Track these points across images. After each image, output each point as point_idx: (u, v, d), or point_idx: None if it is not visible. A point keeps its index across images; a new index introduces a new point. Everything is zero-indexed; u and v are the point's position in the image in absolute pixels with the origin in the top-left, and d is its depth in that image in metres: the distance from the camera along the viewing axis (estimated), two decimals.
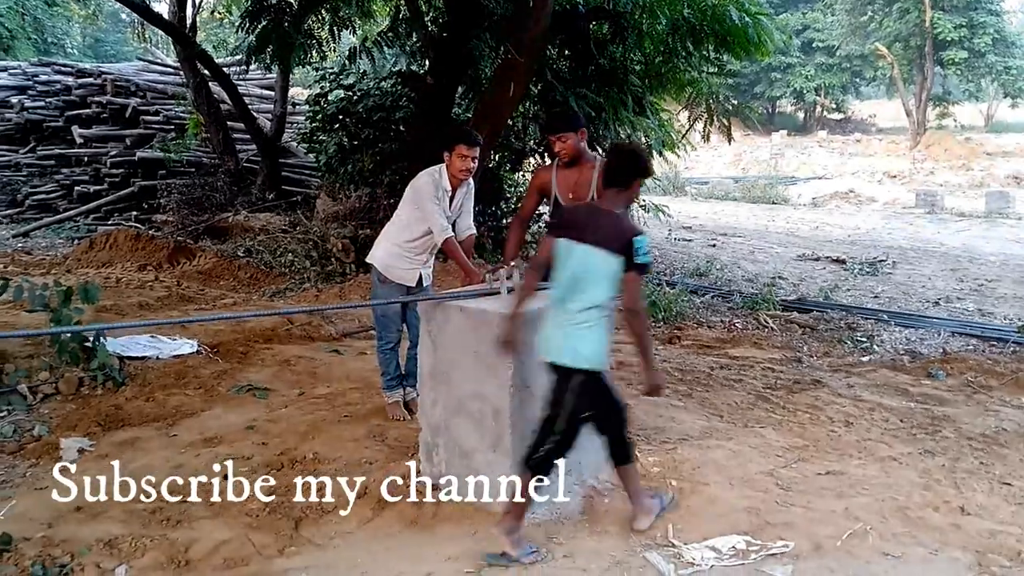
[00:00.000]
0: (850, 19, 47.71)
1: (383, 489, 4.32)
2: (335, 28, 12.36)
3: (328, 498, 4.28)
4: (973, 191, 25.69)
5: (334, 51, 13.76)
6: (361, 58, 12.81)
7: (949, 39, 40.44)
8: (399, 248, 5.44)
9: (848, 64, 50.71)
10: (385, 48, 13.24)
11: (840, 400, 6.25)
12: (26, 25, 28.07)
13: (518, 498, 3.77)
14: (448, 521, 4.05)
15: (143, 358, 6.64)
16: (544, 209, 6.44)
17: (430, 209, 5.20)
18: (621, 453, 3.99)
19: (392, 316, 5.60)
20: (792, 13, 51.95)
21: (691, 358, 7.54)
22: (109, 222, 15.76)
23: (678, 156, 13.68)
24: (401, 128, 12.56)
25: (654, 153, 12.71)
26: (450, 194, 5.32)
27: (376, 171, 12.33)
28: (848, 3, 47.63)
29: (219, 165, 15.83)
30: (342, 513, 4.14)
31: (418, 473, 4.48)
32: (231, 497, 4.28)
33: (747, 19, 9.68)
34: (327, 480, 4.46)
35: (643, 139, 12.55)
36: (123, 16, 43.94)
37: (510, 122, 11.50)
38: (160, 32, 17.42)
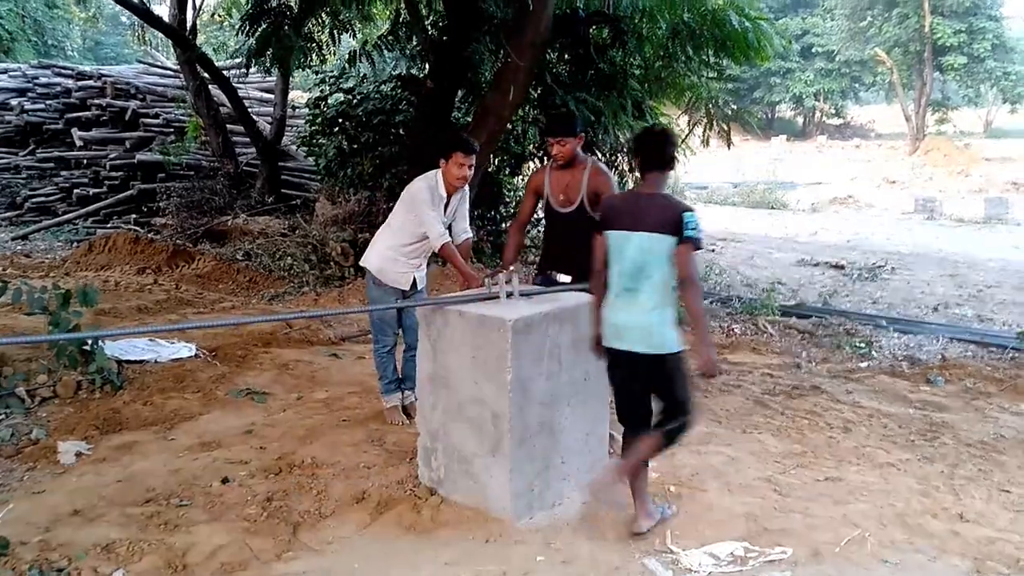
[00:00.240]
0: (849, 24, 47.79)
1: (381, 494, 4.32)
2: (335, 31, 12.34)
3: (326, 503, 4.28)
4: (972, 197, 25.69)
5: (334, 54, 13.75)
6: (361, 61, 12.79)
7: (948, 44, 40.51)
8: (393, 252, 5.46)
9: (847, 69, 50.80)
10: (385, 52, 13.22)
11: (839, 406, 6.24)
12: (26, 27, 28.07)
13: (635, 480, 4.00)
14: (446, 526, 4.05)
15: (141, 362, 6.64)
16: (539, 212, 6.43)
17: (427, 216, 5.21)
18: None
19: (388, 319, 5.61)
20: (791, 18, 52.06)
21: (689, 363, 7.53)
22: (108, 225, 15.74)
23: (677, 161, 13.66)
24: (401, 132, 12.56)
25: None
26: (445, 200, 5.34)
27: (376, 175, 12.33)
28: (847, 8, 47.72)
29: (218, 168, 15.82)
30: (340, 518, 4.14)
31: (416, 478, 4.48)
32: (229, 501, 4.28)
33: (747, 24, 9.69)
34: (325, 484, 4.46)
35: None
36: (123, 19, 43.99)
37: (509, 126, 11.50)
38: (160, 35, 17.42)
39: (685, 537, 3.96)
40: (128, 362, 6.54)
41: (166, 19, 15.04)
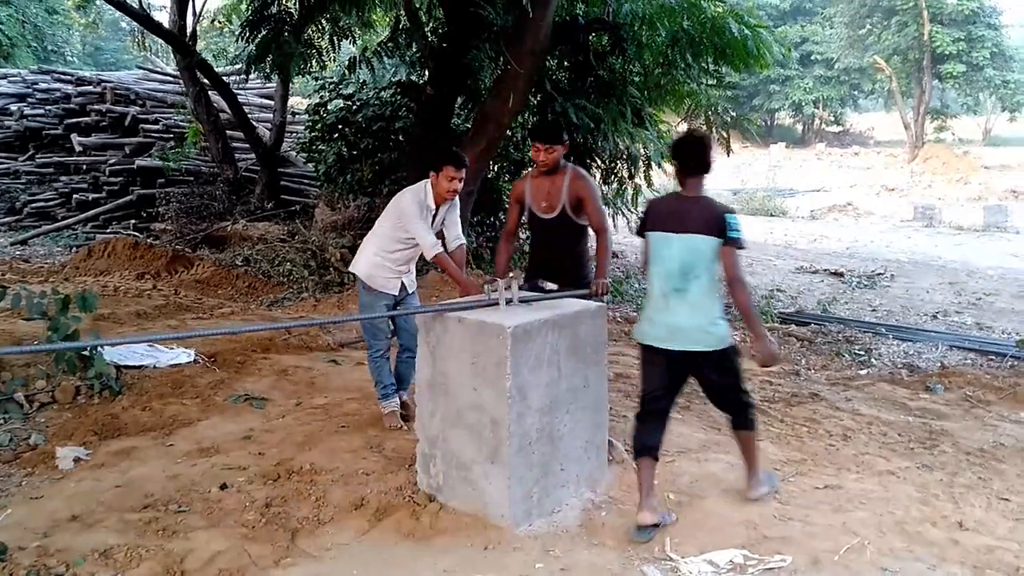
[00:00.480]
0: (849, 32, 47.84)
1: (380, 500, 4.32)
2: (335, 38, 12.36)
3: (325, 509, 4.27)
4: (971, 205, 25.72)
5: (334, 61, 13.78)
6: (361, 68, 12.81)
7: (947, 52, 40.56)
8: (380, 258, 5.54)
9: (847, 77, 50.88)
10: (385, 58, 13.24)
11: (838, 414, 6.24)
12: (26, 33, 28.08)
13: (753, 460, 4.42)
14: (445, 533, 4.04)
15: (140, 367, 6.64)
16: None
17: (418, 228, 5.30)
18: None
19: (380, 324, 5.67)
20: (791, 26, 52.15)
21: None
22: (107, 230, 15.75)
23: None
24: (400, 138, 12.58)
25: (653, 165, 12.74)
26: (433, 211, 5.43)
27: (375, 181, 12.35)
28: (847, 16, 47.77)
29: (218, 174, 15.84)
30: (339, 524, 4.13)
31: (415, 484, 4.48)
32: (227, 507, 4.27)
33: (746, 32, 9.70)
34: (324, 491, 4.45)
35: (642, 151, 12.56)
36: (123, 25, 43.98)
37: (509, 133, 11.51)
38: (160, 41, 17.43)
39: (684, 544, 3.95)
40: (127, 367, 6.53)
41: (166, 25, 15.06)
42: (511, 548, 3.89)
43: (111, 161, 16.64)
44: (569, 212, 5.16)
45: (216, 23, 22.46)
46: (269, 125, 16.66)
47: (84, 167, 17.03)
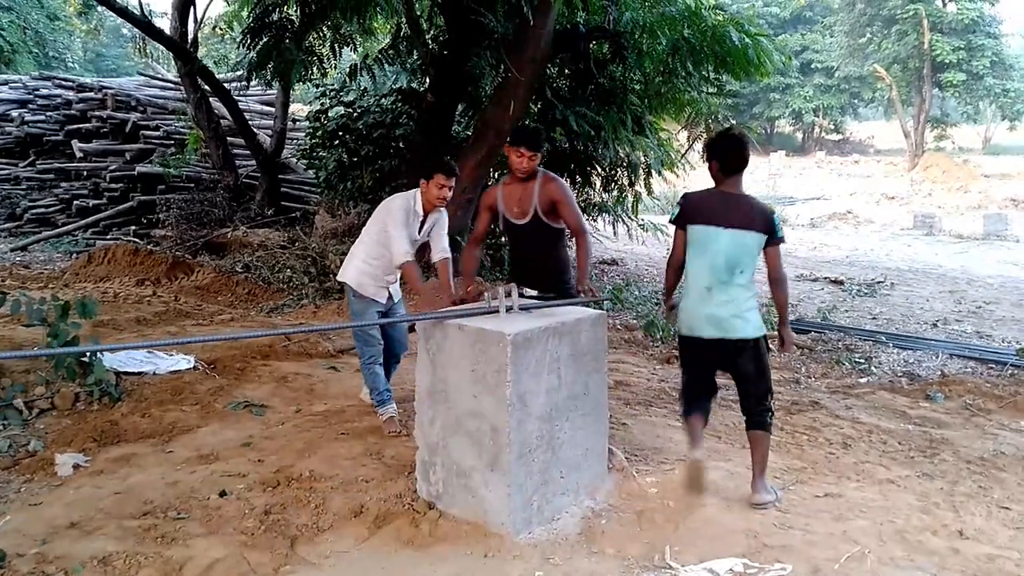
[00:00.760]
0: (849, 41, 47.99)
1: (379, 508, 4.31)
2: (336, 45, 12.38)
3: (324, 516, 4.26)
4: (971, 213, 25.72)
5: (335, 68, 13.79)
6: (362, 75, 12.83)
7: (948, 61, 40.68)
8: (368, 266, 5.67)
9: (847, 85, 51.04)
10: (385, 65, 13.26)
11: (838, 422, 6.23)
12: (27, 39, 28.12)
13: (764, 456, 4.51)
14: (444, 541, 4.03)
15: (140, 373, 6.64)
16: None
17: (396, 233, 5.41)
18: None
19: (372, 331, 5.74)
20: (791, 34, 52.33)
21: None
22: (108, 237, 15.76)
23: (677, 176, 13.70)
24: (401, 145, 12.59)
25: (653, 173, 12.75)
26: (421, 218, 5.56)
27: (375, 188, 12.35)
28: (847, 25, 47.94)
29: (218, 180, 15.86)
30: (338, 532, 4.12)
31: (415, 492, 4.47)
32: (226, 515, 4.26)
33: (747, 40, 9.72)
34: (323, 498, 4.44)
35: (642, 158, 12.58)
36: (124, 31, 44.16)
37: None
38: (161, 47, 17.46)
39: (684, 553, 3.94)
40: (126, 374, 6.53)
41: (167, 32, 15.08)
42: (511, 556, 3.88)
43: (112, 167, 16.66)
44: (541, 216, 5.19)
45: (217, 30, 22.56)
46: (270, 132, 16.68)
47: (85, 173, 17.05)
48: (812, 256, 18.17)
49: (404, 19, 11.91)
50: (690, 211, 4.47)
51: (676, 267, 4.62)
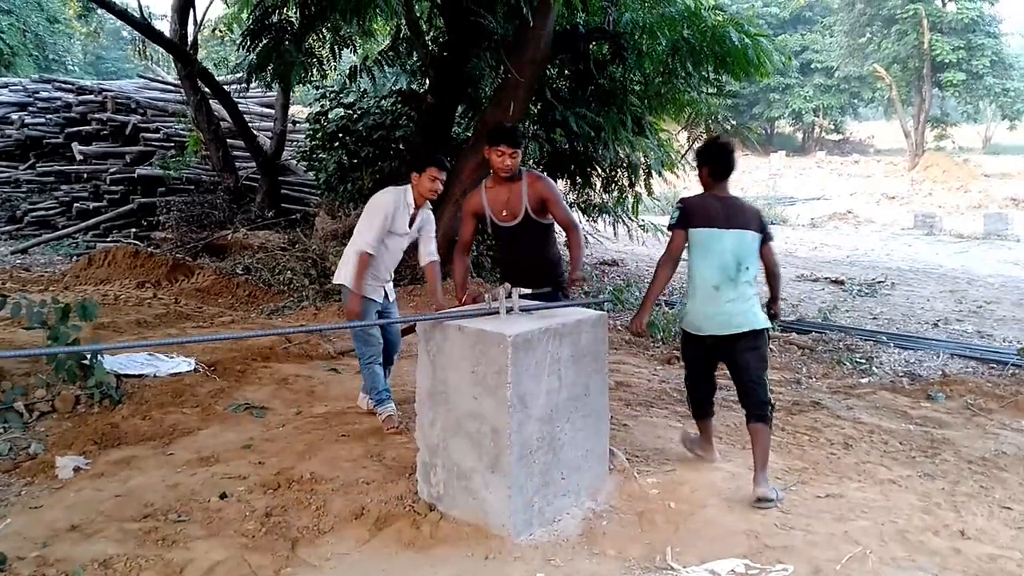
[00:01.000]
0: (849, 41, 47.99)
1: (380, 510, 4.30)
2: (336, 47, 12.39)
3: (325, 518, 4.25)
4: (971, 213, 25.72)
5: (335, 70, 13.81)
6: (361, 77, 12.85)
7: (947, 61, 40.68)
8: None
9: (847, 85, 51.04)
10: (385, 67, 13.28)
11: (839, 422, 6.23)
12: (27, 42, 28.15)
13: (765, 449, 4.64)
14: (445, 543, 4.02)
15: (140, 376, 6.63)
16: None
17: (374, 223, 5.55)
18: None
19: (372, 330, 5.76)
20: (791, 34, 52.33)
21: None
22: (108, 239, 15.76)
23: (677, 176, 13.71)
24: (401, 147, 12.60)
25: (653, 173, 12.75)
26: (413, 210, 5.68)
27: (376, 189, 12.26)
28: (847, 25, 47.94)
29: (218, 183, 15.86)
30: (339, 534, 4.11)
31: (416, 494, 4.46)
32: (227, 517, 4.26)
33: (746, 40, 9.72)
34: (324, 500, 4.44)
35: (642, 159, 12.58)
36: (124, 34, 44.15)
37: None
38: (161, 50, 17.46)
39: (686, 554, 3.94)
40: (127, 376, 6.53)
41: (167, 34, 15.09)
42: (512, 558, 3.88)
43: (112, 170, 16.67)
44: (532, 215, 5.16)
45: (217, 32, 22.56)
46: (270, 134, 16.69)
47: (85, 176, 17.05)
48: (812, 256, 18.17)
49: (404, 21, 11.93)
50: (692, 215, 4.67)
51: (675, 265, 4.79)
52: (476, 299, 5.09)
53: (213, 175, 16.19)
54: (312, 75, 12.61)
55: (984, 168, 37.47)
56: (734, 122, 15.38)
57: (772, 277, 4.89)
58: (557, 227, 5.37)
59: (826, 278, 14.47)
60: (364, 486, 4.65)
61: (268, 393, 6.52)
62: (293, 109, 18.58)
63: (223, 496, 4.50)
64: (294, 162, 17.11)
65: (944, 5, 42.75)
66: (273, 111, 17.05)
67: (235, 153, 16.29)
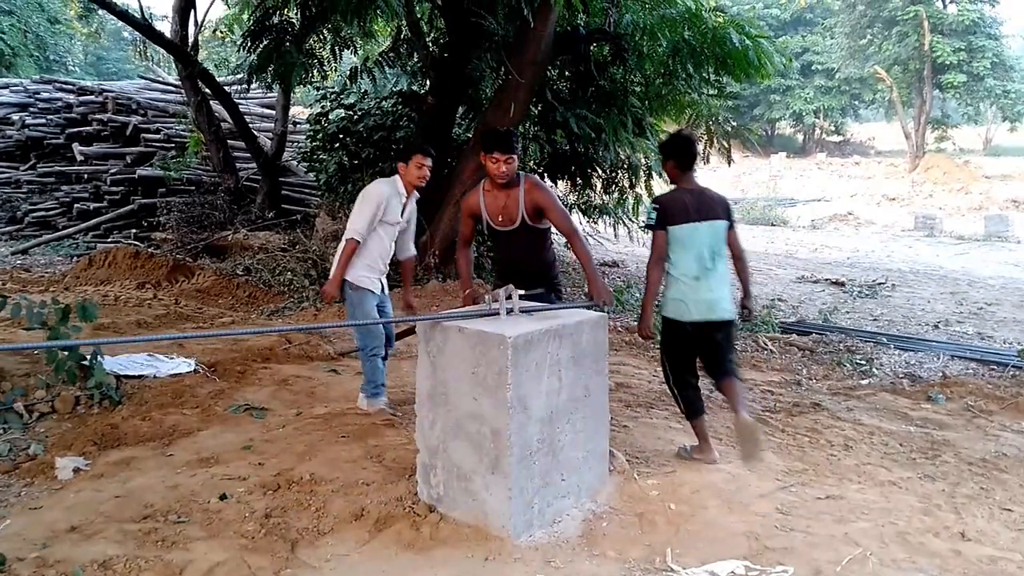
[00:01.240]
0: (849, 42, 47.98)
1: (380, 511, 4.30)
2: (336, 48, 12.41)
3: (324, 520, 4.25)
4: (972, 214, 25.73)
5: (335, 71, 13.83)
6: (362, 78, 12.85)
7: (948, 63, 40.65)
8: (360, 257, 5.80)
9: (847, 87, 51.04)
10: (386, 68, 13.29)
11: (839, 424, 6.22)
12: (28, 43, 28.19)
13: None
14: (445, 544, 4.02)
15: (140, 377, 6.63)
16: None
17: (365, 212, 5.68)
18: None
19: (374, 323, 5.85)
20: (791, 36, 52.33)
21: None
22: (108, 240, 15.78)
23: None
24: (401, 148, 12.59)
25: (653, 175, 12.75)
26: (403, 201, 5.84)
27: None
28: (847, 26, 47.92)
29: (219, 183, 15.87)
30: (339, 535, 4.11)
31: (415, 495, 4.46)
32: (227, 518, 4.25)
33: (747, 42, 9.73)
34: (324, 501, 4.43)
35: (642, 160, 12.58)
36: (125, 34, 44.16)
37: None
38: (162, 51, 17.49)
39: (686, 555, 3.94)
40: (127, 377, 6.53)
41: (168, 35, 15.11)
42: (512, 559, 3.87)
43: (112, 170, 16.69)
44: (528, 221, 5.17)
45: (218, 33, 22.56)
46: (270, 135, 16.70)
47: (85, 176, 17.08)
48: (813, 257, 18.18)
49: (404, 22, 11.94)
50: (671, 213, 4.89)
51: (663, 265, 4.97)
52: (476, 300, 5.09)
53: (214, 176, 16.20)
54: (313, 76, 12.63)
55: (985, 170, 37.48)
56: (735, 123, 15.36)
57: (739, 261, 5.13)
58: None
59: (826, 279, 14.47)
60: (364, 487, 4.64)
61: (268, 394, 6.52)
62: (294, 110, 18.61)
63: (223, 497, 4.49)
64: (295, 163, 17.12)
65: (945, 7, 42.76)
66: (274, 112, 17.07)
67: (236, 154, 16.31)
